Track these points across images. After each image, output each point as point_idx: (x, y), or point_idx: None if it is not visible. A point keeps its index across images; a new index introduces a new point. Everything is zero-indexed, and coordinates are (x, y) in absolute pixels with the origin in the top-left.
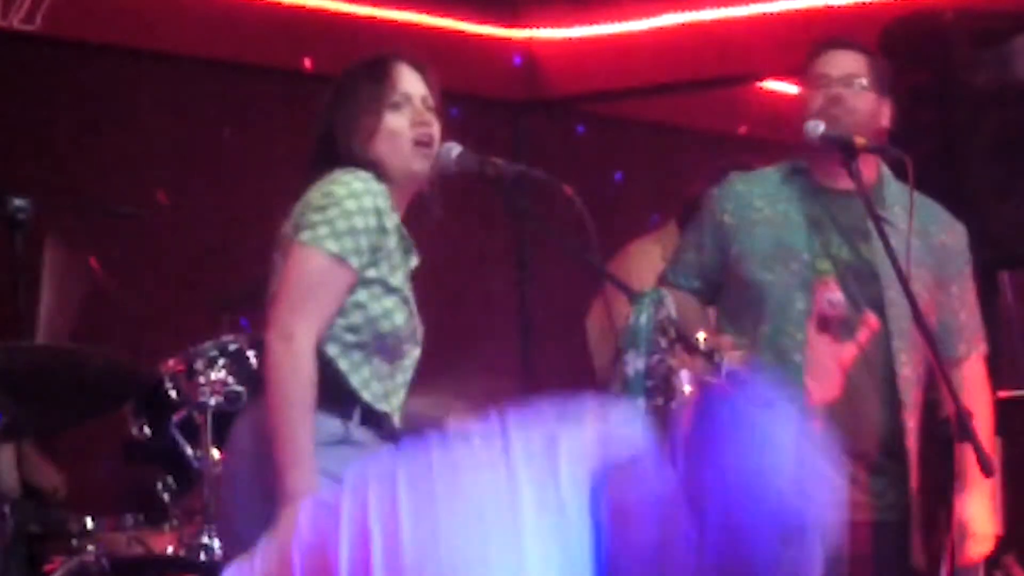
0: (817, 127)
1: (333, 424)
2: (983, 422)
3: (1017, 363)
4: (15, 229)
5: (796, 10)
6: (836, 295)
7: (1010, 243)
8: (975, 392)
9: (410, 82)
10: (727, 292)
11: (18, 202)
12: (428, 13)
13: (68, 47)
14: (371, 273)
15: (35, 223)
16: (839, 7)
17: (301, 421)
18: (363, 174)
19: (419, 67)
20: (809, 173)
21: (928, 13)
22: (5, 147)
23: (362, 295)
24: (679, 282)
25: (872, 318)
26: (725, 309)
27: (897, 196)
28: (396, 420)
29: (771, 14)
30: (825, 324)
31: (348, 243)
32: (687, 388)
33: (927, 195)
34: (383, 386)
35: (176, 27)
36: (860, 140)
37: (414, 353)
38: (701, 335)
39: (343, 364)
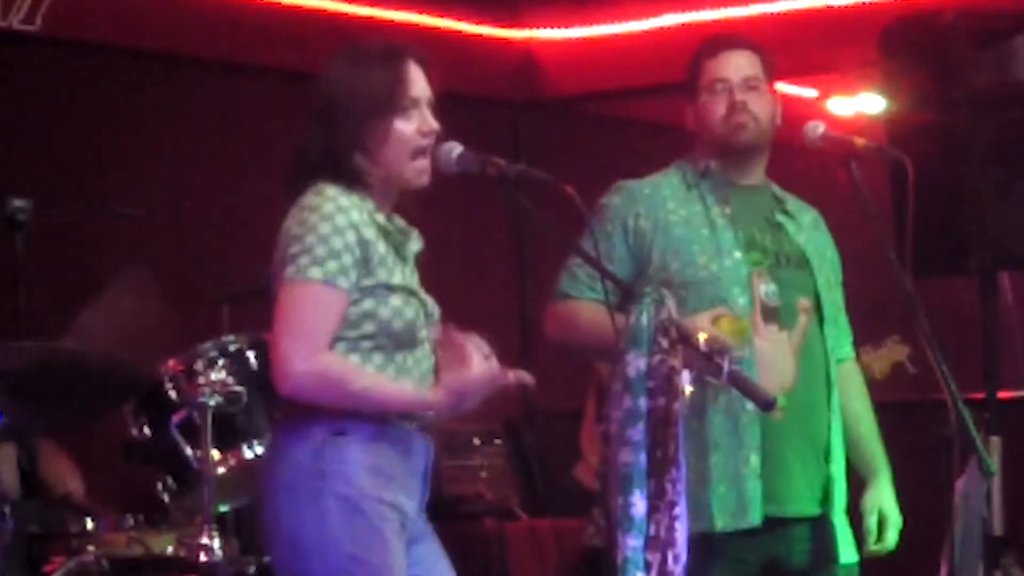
0: (817, 128)
1: (371, 426)
2: (872, 424)
3: (1017, 363)
4: (15, 229)
5: (796, 10)
6: (771, 285)
7: (1010, 243)
8: (860, 394)
9: (419, 83)
10: None
11: (18, 202)
12: (428, 13)
13: (68, 47)
14: (369, 281)
15: (35, 223)
16: (839, 7)
17: (369, 380)
18: (330, 191)
19: (424, 64)
20: (709, 171)
21: (928, 13)
22: (5, 147)
23: (368, 304)
24: (585, 296)
25: (805, 302)
26: None
27: (785, 194)
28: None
29: (771, 14)
30: (769, 314)
31: (332, 266)
32: (688, 388)
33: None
34: (410, 379)
35: (176, 27)
36: (860, 141)
37: (432, 335)
38: (702, 335)
39: (368, 369)
